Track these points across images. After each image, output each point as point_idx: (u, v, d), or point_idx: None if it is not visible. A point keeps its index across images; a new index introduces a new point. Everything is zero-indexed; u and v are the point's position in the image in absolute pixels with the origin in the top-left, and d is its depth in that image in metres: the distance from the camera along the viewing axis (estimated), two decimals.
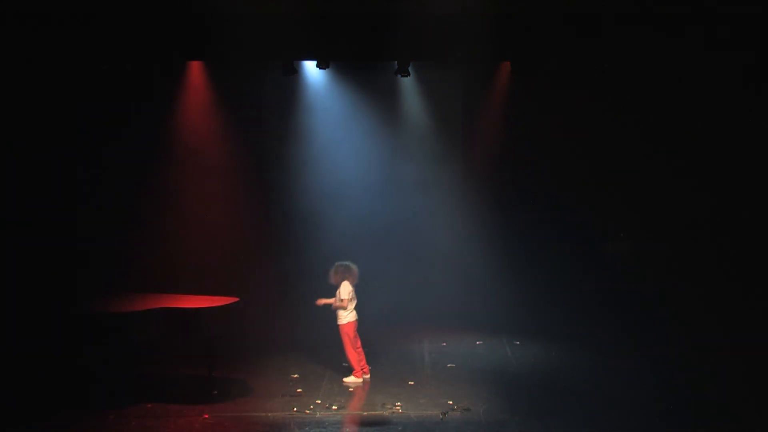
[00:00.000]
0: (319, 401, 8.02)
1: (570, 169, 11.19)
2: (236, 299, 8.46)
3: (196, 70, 11.01)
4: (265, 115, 11.81)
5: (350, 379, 8.75)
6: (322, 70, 10.50)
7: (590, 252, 11.30)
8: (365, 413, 7.73)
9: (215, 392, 8.26)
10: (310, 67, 10.90)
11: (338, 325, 8.75)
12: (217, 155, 11.48)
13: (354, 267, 8.81)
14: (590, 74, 10.31)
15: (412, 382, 8.73)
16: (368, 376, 8.84)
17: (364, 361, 8.86)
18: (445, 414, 7.60)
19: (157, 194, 11.16)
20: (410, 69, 10.25)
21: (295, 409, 7.75)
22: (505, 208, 11.68)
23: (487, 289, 11.48)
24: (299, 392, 8.36)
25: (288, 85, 11.36)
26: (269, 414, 7.61)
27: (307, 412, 7.69)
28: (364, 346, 8.89)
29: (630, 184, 10.89)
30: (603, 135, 10.86)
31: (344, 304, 8.65)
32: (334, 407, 7.84)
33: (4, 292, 9.40)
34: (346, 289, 8.69)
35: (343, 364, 8.96)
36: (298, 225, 11.74)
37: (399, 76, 10.40)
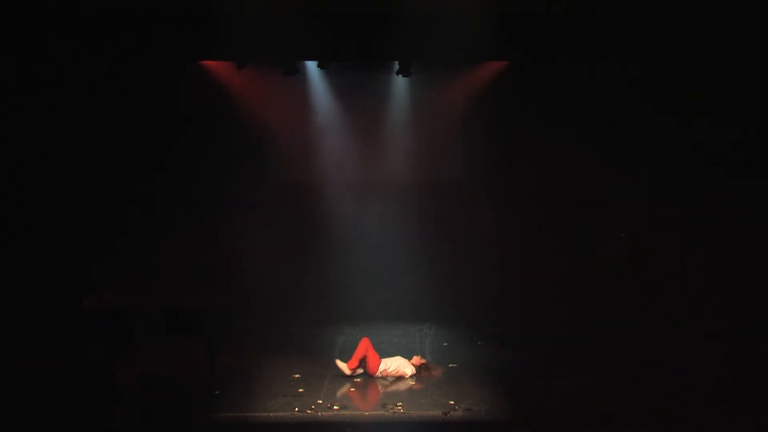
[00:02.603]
0: (321, 401, 8.02)
1: (570, 168, 11.19)
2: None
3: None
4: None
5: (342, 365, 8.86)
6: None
7: (591, 252, 11.30)
8: (366, 413, 7.73)
9: (217, 392, 8.27)
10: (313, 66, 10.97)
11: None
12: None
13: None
14: (591, 74, 10.30)
15: (414, 382, 8.73)
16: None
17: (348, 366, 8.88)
18: (446, 414, 7.60)
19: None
20: (408, 69, 10.28)
21: (296, 409, 7.74)
22: (504, 208, 11.68)
23: (488, 290, 11.48)
24: (301, 392, 8.34)
25: (292, 85, 11.37)
26: (271, 414, 7.61)
27: (309, 412, 7.69)
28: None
29: (630, 184, 10.89)
30: (603, 135, 10.86)
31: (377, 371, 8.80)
32: (335, 407, 7.84)
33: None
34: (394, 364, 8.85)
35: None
36: (296, 223, 11.76)
37: (400, 75, 10.41)
